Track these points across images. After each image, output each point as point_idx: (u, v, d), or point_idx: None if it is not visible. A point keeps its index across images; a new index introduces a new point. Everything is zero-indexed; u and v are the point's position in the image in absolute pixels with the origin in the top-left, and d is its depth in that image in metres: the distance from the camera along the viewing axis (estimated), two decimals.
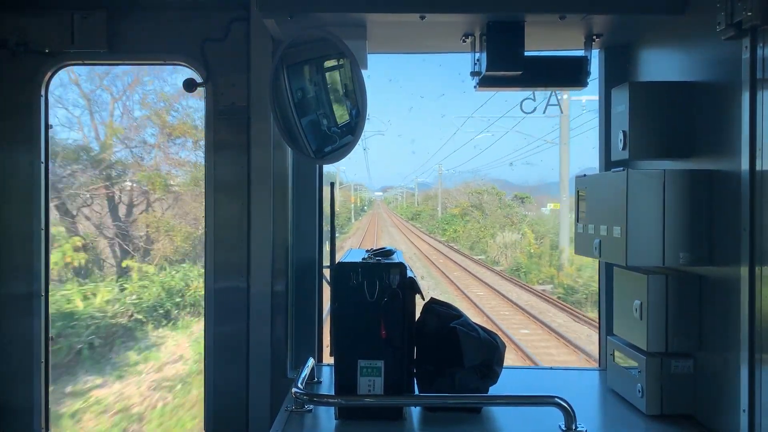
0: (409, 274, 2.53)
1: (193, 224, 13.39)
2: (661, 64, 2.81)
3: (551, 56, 3.12)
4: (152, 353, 10.29)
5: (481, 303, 17.45)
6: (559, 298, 18.92)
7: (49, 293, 3.31)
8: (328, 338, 2.68)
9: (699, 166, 2.46)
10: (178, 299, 11.79)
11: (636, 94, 2.58)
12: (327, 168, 3.46)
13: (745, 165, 2.11)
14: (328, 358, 2.95)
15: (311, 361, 2.87)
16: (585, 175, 2.92)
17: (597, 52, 3.23)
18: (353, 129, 2.79)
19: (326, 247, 3.27)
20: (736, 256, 2.16)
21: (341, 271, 2.50)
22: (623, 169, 2.48)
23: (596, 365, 3.45)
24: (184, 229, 13.43)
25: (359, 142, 2.80)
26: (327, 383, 2.98)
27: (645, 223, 2.43)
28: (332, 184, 3.15)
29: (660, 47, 2.83)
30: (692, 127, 2.51)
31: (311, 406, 2.61)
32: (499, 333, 12.52)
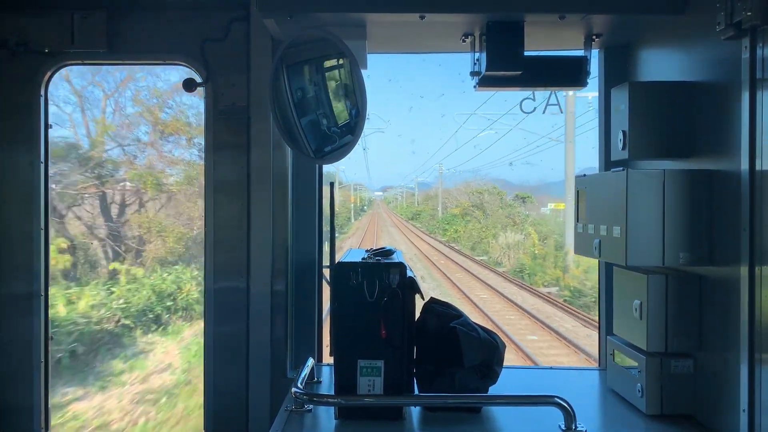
0: (409, 273, 2.53)
1: (187, 224, 13.06)
2: (661, 64, 2.81)
3: (551, 56, 3.12)
4: (139, 361, 9.87)
5: (485, 307, 16.94)
6: (565, 301, 18.25)
7: (42, 296, 3.30)
8: (328, 338, 2.68)
9: (699, 166, 2.46)
10: (169, 303, 11.32)
11: (636, 94, 2.58)
12: (326, 168, 3.46)
13: (745, 165, 2.11)
14: (327, 358, 2.95)
15: (311, 361, 2.87)
16: (585, 175, 2.92)
17: (597, 52, 3.23)
18: (353, 129, 2.79)
19: (326, 247, 3.27)
20: (736, 256, 2.16)
21: (341, 270, 2.50)
22: (623, 169, 2.48)
23: (596, 365, 3.46)
24: (176, 230, 13.07)
25: (359, 141, 2.80)
26: (327, 383, 2.98)
27: (645, 223, 2.43)
28: (332, 184, 3.15)
29: (660, 47, 2.83)
30: (692, 127, 2.51)
31: (311, 406, 2.61)
32: (506, 340, 12.26)
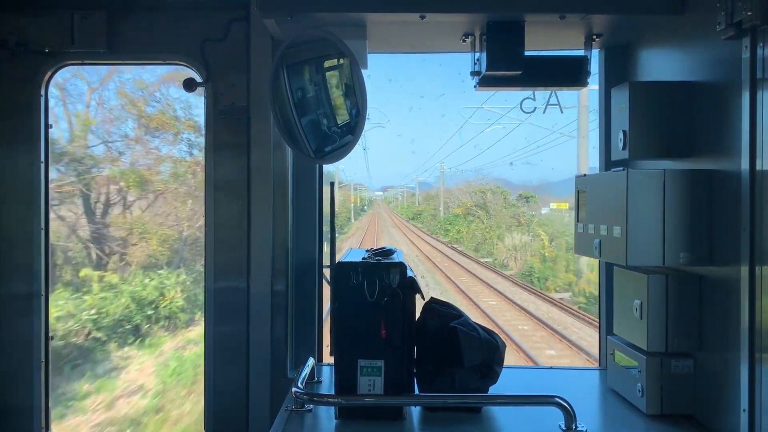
0: (409, 273, 2.53)
1: (174, 226, 12.34)
2: (661, 64, 2.81)
3: (551, 56, 3.12)
4: (108, 381, 8.80)
5: (495, 315, 15.87)
6: (580, 308, 17.01)
7: (42, 296, 3.29)
8: (328, 338, 2.68)
9: (699, 166, 2.46)
10: (150, 311, 10.43)
11: (636, 94, 2.58)
12: (326, 167, 3.47)
13: (745, 165, 2.11)
14: (328, 358, 2.95)
15: (311, 361, 2.87)
16: (585, 175, 2.93)
17: (597, 51, 3.23)
18: (353, 129, 2.79)
19: (326, 247, 3.27)
20: (736, 256, 2.16)
21: (341, 270, 2.50)
22: (623, 169, 2.48)
23: (596, 365, 3.46)
24: (160, 232, 12.28)
25: (359, 141, 2.80)
26: (327, 383, 2.98)
27: (645, 223, 2.43)
28: (332, 184, 3.15)
29: (660, 47, 2.83)
30: (692, 127, 2.51)
31: (311, 406, 2.61)
32: (522, 356, 11.78)
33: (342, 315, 2.50)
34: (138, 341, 9.97)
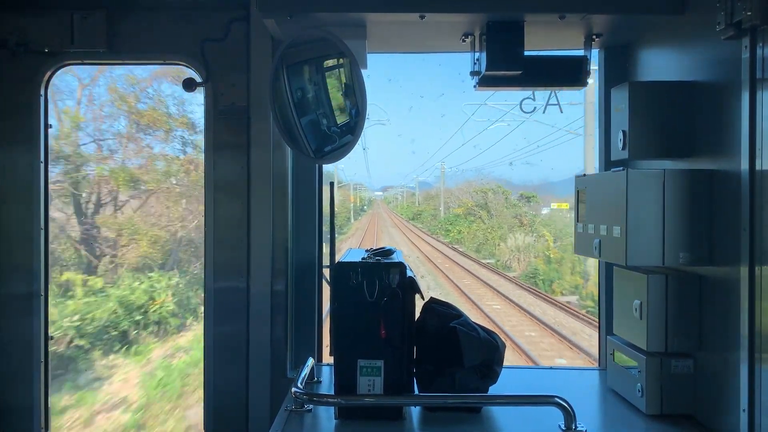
0: (409, 273, 2.53)
1: (167, 226, 11.87)
2: (661, 64, 2.81)
3: (551, 56, 3.12)
4: (89, 394, 8.20)
5: (500, 320, 15.10)
6: (588, 312, 16.10)
7: (42, 296, 3.29)
8: (328, 338, 2.68)
9: (699, 166, 2.46)
10: (138, 317, 9.93)
11: (636, 94, 2.58)
12: (325, 167, 3.47)
13: (745, 165, 2.11)
14: (327, 358, 2.95)
15: (311, 361, 2.87)
16: (585, 175, 2.93)
17: (597, 51, 3.23)
18: (353, 129, 2.79)
19: (326, 248, 3.27)
20: (736, 256, 2.16)
21: (341, 270, 2.50)
22: (623, 169, 2.48)
23: (596, 365, 3.46)
24: (151, 233, 11.75)
25: (359, 141, 2.80)
26: (327, 383, 2.98)
27: (645, 223, 2.43)
28: (332, 184, 3.15)
29: (660, 47, 2.83)
30: (692, 127, 2.51)
31: (311, 406, 2.61)
32: (530, 364, 11.33)
33: (342, 315, 2.50)
34: (124, 349, 9.57)
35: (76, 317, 9.24)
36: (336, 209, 3.35)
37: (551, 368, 3.61)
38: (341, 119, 2.85)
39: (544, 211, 39.29)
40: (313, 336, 3.28)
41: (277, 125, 2.89)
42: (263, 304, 3.15)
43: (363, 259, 2.58)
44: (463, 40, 2.98)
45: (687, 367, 2.50)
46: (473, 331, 2.64)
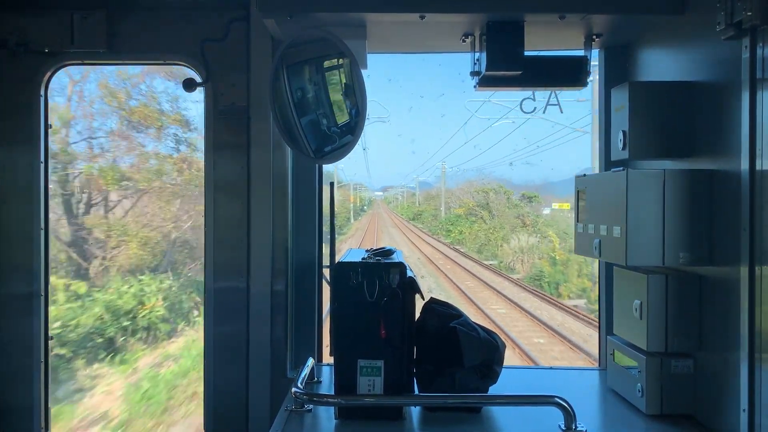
0: (409, 273, 2.53)
1: (159, 227, 11.34)
2: (661, 64, 2.81)
3: (551, 56, 3.12)
4: (67, 408, 7.60)
5: (506, 325, 14.41)
6: (597, 317, 15.65)
7: (42, 296, 3.28)
8: (328, 338, 2.68)
9: (699, 166, 2.46)
10: (126, 322, 9.41)
11: (636, 94, 2.58)
12: (325, 167, 3.47)
13: (745, 165, 2.11)
14: (327, 358, 2.95)
15: (311, 361, 2.87)
16: (585, 175, 2.92)
17: (597, 51, 3.23)
18: (353, 129, 2.79)
19: (326, 248, 3.27)
20: (736, 256, 2.16)
21: (341, 270, 2.50)
22: (623, 169, 2.48)
23: (596, 365, 3.46)
24: (141, 234, 11.21)
25: (359, 141, 2.80)
26: (327, 383, 2.98)
27: (645, 223, 2.43)
28: (332, 184, 3.15)
29: (660, 47, 2.83)
30: (692, 127, 2.51)
31: (311, 406, 2.61)
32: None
33: (342, 315, 2.50)
34: (110, 357, 9.05)
35: (57, 324, 8.67)
36: (336, 209, 3.35)
37: (551, 368, 3.61)
38: (341, 119, 2.85)
39: (545, 211, 39.01)
40: (313, 336, 3.28)
41: (277, 125, 2.89)
42: (263, 304, 3.15)
43: (363, 259, 2.58)
44: (463, 40, 2.98)
45: (687, 367, 2.50)
46: (473, 331, 2.64)
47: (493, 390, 2.68)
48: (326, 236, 3.26)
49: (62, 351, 8.49)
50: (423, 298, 2.72)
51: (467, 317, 2.74)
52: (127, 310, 9.65)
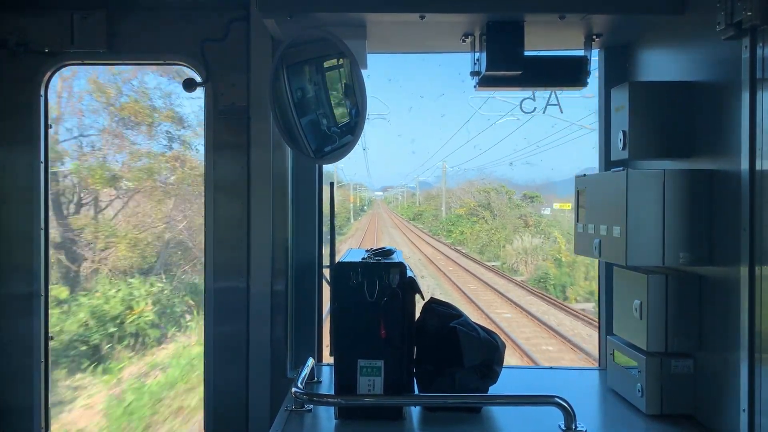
0: (409, 273, 2.53)
1: (151, 228, 10.89)
2: (661, 64, 2.81)
3: (551, 56, 3.12)
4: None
5: (512, 331, 13.70)
6: None
7: (42, 296, 3.27)
8: (328, 338, 2.68)
9: (699, 166, 2.46)
10: (113, 329, 8.93)
11: (636, 94, 2.58)
12: (325, 167, 3.47)
13: (745, 165, 2.11)
14: (327, 358, 2.95)
15: (311, 361, 2.87)
16: (585, 175, 2.92)
17: (597, 51, 3.23)
18: (353, 129, 2.79)
19: (326, 248, 3.27)
20: (736, 256, 2.16)
21: (341, 270, 2.50)
22: (623, 169, 2.48)
23: (596, 365, 3.46)
24: (130, 235, 10.73)
25: (359, 141, 2.80)
26: (327, 383, 2.98)
27: (645, 223, 2.43)
28: (332, 184, 3.15)
29: (660, 47, 2.83)
30: (692, 127, 2.51)
31: (311, 406, 2.61)
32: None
33: (342, 315, 2.50)
34: (93, 366, 8.60)
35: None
36: (336, 209, 3.35)
37: (551, 368, 3.61)
38: (341, 119, 2.85)
39: (544, 211, 38.75)
40: (313, 336, 3.28)
41: (277, 125, 2.89)
42: (263, 304, 3.15)
43: (363, 259, 2.58)
44: (463, 40, 2.98)
45: (687, 367, 2.50)
46: (473, 331, 2.64)
47: (493, 390, 2.68)
48: (326, 236, 3.26)
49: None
50: (423, 298, 2.72)
51: (467, 317, 2.74)
52: (114, 316, 9.20)
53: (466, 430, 2.46)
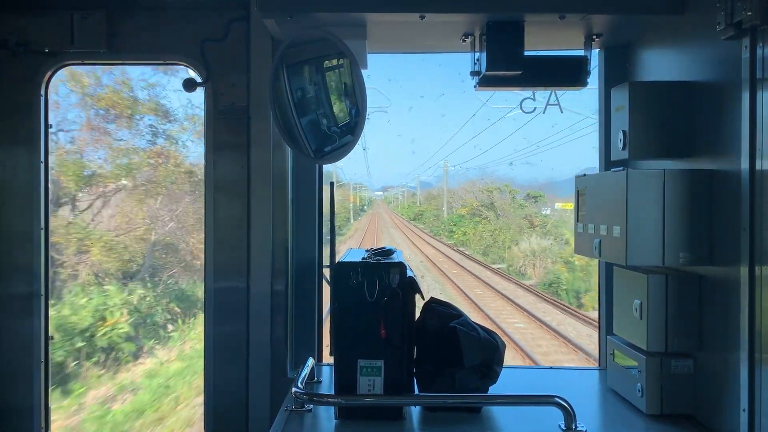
0: (409, 273, 2.53)
1: (130, 230, 10.14)
2: (661, 64, 2.81)
3: (551, 56, 3.13)
4: None
5: (527, 343, 12.47)
6: None
7: (42, 296, 3.26)
8: (328, 338, 2.68)
9: (699, 166, 2.46)
10: (81, 343, 7.96)
11: (636, 94, 2.58)
12: (325, 167, 3.47)
13: (745, 165, 2.11)
14: (328, 358, 2.95)
15: (311, 361, 2.87)
16: (585, 175, 2.93)
17: (597, 51, 3.23)
18: (353, 129, 2.79)
19: (326, 248, 3.27)
20: (736, 256, 2.16)
21: (341, 270, 2.50)
22: (623, 169, 2.48)
23: (596, 365, 3.46)
24: (106, 238, 9.84)
25: (359, 141, 2.80)
26: (327, 383, 2.98)
27: (645, 223, 2.43)
28: (332, 184, 3.15)
29: (660, 47, 2.83)
30: (692, 127, 2.51)
31: (311, 406, 2.61)
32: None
33: (342, 315, 2.50)
34: (52, 389, 7.15)
35: None
36: (336, 209, 3.35)
37: (551, 368, 3.61)
38: (341, 119, 2.85)
39: (545, 211, 38.48)
40: (313, 336, 3.28)
41: (277, 125, 2.89)
42: (263, 304, 3.15)
43: (363, 259, 2.58)
44: (463, 40, 2.98)
45: (687, 367, 2.50)
46: (473, 330, 2.64)
47: (493, 390, 2.68)
48: (326, 236, 3.27)
49: None
50: (423, 298, 2.72)
51: (467, 317, 2.74)
52: (83, 329, 8.23)
53: (466, 430, 2.46)
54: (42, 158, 3.25)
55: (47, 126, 3.29)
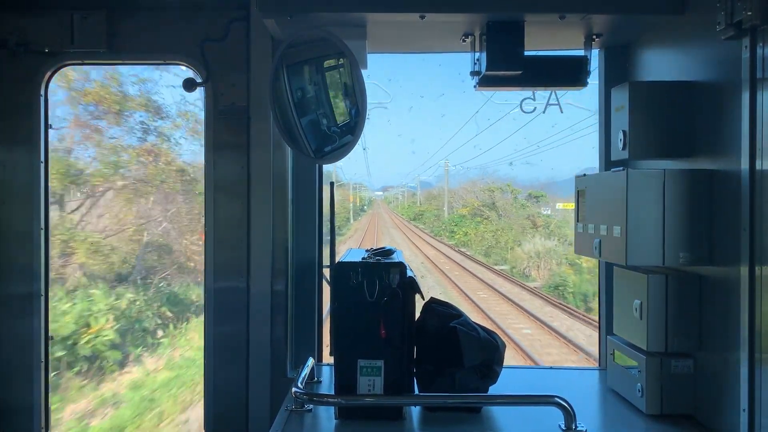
0: (409, 273, 2.53)
1: (119, 231, 9.82)
2: (661, 64, 2.81)
3: (551, 56, 3.13)
4: None
5: (535, 351, 12.10)
6: None
7: (42, 296, 3.26)
8: (328, 338, 2.68)
9: (699, 166, 2.46)
10: (61, 352, 7.51)
11: (636, 94, 2.58)
12: (325, 167, 3.47)
13: (745, 165, 2.11)
14: (328, 358, 2.95)
15: (311, 361, 2.87)
16: (585, 175, 2.93)
17: (597, 51, 3.23)
18: (353, 128, 2.79)
19: (326, 248, 3.27)
20: (736, 256, 2.16)
21: (341, 270, 2.50)
22: (623, 169, 2.48)
23: (596, 365, 3.46)
24: (91, 240, 9.43)
25: (359, 141, 2.80)
26: (327, 383, 2.98)
27: (645, 223, 2.43)
28: (332, 184, 3.16)
29: (660, 47, 2.83)
30: (692, 126, 2.51)
31: (311, 406, 2.61)
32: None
33: (342, 315, 2.50)
34: None
35: None
36: (336, 209, 3.35)
37: (551, 368, 3.61)
38: (341, 119, 2.85)
39: (544, 211, 38.32)
40: (313, 336, 3.28)
41: (277, 125, 2.89)
42: (263, 304, 3.15)
43: (363, 259, 2.58)
44: (463, 40, 2.98)
45: (687, 367, 2.50)
46: (473, 330, 2.64)
47: (493, 390, 2.68)
48: (326, 236, 3.27)
49: None
50: (423, 298, 2.72)
51: (467, 317, 2.74)
52: (64, 336, 7.83)
53: (466, 430, 2.46)
54: (42, 158, 3.25)
55: (47, 126, 3.29)
